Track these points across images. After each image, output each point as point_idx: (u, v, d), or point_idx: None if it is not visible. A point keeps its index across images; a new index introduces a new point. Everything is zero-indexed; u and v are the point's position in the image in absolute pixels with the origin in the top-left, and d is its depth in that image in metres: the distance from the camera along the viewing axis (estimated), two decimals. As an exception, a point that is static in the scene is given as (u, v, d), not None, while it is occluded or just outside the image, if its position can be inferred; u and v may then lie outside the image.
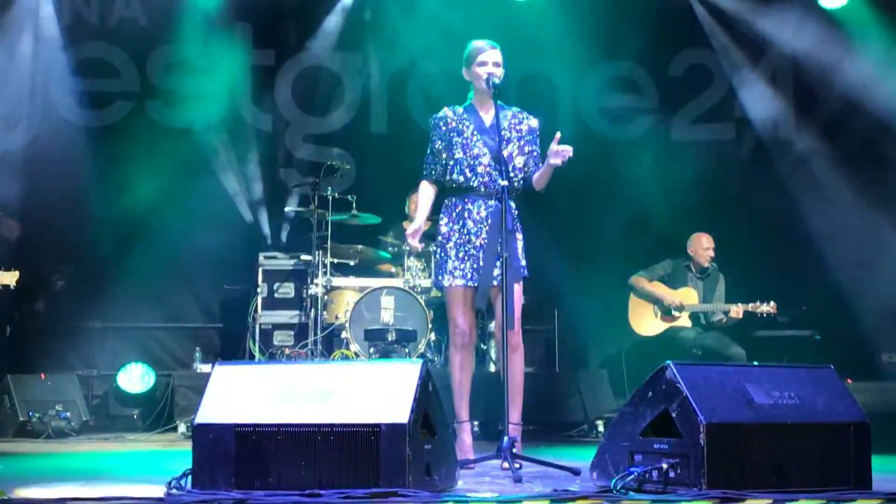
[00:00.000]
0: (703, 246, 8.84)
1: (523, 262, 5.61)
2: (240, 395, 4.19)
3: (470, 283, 5.57)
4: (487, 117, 5.66)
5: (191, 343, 9.62)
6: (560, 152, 5.43)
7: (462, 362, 5.65)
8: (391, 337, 8.09)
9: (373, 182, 9.93)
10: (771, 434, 4.02)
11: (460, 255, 5.59)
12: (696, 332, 8.69)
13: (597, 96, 10.43)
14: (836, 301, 9.21)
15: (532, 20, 9.76)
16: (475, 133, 5.61)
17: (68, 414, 7.97)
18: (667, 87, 10.37)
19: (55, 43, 9.63)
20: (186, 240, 9.52)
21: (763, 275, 9.40)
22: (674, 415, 4.02)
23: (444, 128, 5.67)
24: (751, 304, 8.48)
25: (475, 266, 5.55)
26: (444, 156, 5.66)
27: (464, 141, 5.61)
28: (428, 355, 8.40)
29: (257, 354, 9.01)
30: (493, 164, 5.56)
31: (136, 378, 8.82)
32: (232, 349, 9.69)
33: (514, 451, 5.04)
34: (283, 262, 9.38)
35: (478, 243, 5.55)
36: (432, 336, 8.48)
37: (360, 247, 9.04)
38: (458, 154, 5.61)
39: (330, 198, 8.78)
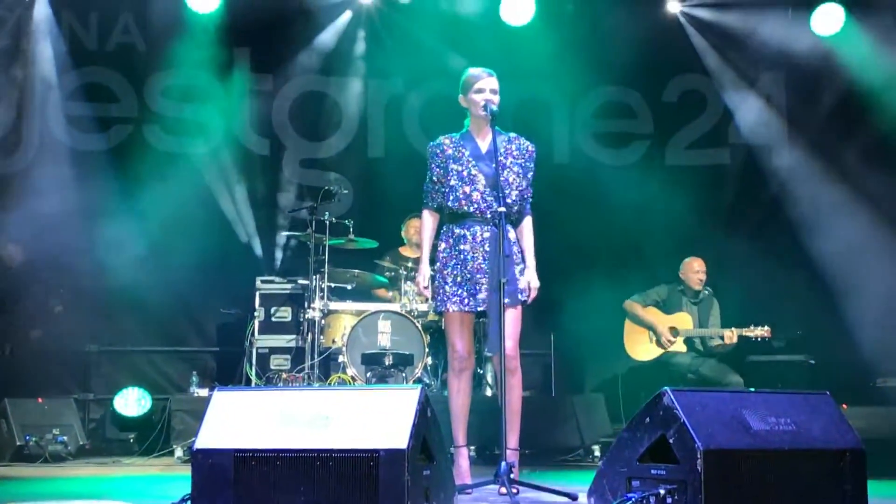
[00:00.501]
0: (693, 269, 8.91)
1: (521, 287, 5.64)
2: (239, 420, 4.21)
3: (467, 308, 5.60)
4: (484, 144, 5.70)
5: (187, 367, 9.61)
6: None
7: (460, 387, 5.67)
8: (388, 361, 8.08)
9: (370, 206, 9.98)
10: (768, 460, 4.04)
11: (458, 280, 5.62)
12: (692, 357, 8.72)
13: (592, 121, 10.49)
14: (831, 326, 9.24)
15: (527, 45, 9.81)
16: (471, 160, 5.64)
17: (65, 438, 7.97)
18: (661, 112, 10.43)
19: (54, 67, 9.67)
20: (183, 264, 9.52)
21: (757, 299, 9.42)
22: (671, 441, 4.04)
23: (440, 155, 5.70)
24: (745, 329, 8.52)
25: (472, 291, 5.58)
26: (442, 183, 5.69)
27: (460, 168, 5.64)
28: (425, 379, 8.41)
29: (254, 378, 9.01)
30: (489, 190, 5.59)
31: (132, 402, 8.83)
32: (229, 373, 9.69)
33: (512, 476, 5.04)
34: (281, 286, 9.39)
35: (475, 268, 5.58)
36: (429, 360, 8.49)
37: (356, 271, 9.05)
38: (455, 181, 5.64)
39: (327, 222, 8.80)
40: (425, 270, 5.80)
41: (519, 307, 5.61)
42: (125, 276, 9.34)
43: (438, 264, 5.71)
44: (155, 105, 10.00)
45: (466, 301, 5.59)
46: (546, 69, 9.87)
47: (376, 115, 10.48)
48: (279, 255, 10.18)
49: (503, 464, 5.01)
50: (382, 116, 10.46)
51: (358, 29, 10.27)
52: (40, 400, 8.29)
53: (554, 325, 9.63)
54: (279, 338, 9.27)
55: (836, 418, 4.35)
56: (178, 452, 7.94)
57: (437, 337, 8.56)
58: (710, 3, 9.98)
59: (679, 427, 4.01)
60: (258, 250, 10.18)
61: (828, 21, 9.58)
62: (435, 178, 5.75)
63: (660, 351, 8.72)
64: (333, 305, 8.79)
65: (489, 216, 5.59)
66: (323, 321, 8.72)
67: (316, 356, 8.56)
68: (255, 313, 9.29)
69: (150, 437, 8.48)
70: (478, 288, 5.56)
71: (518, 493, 4.94)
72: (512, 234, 5.67)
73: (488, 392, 8.57)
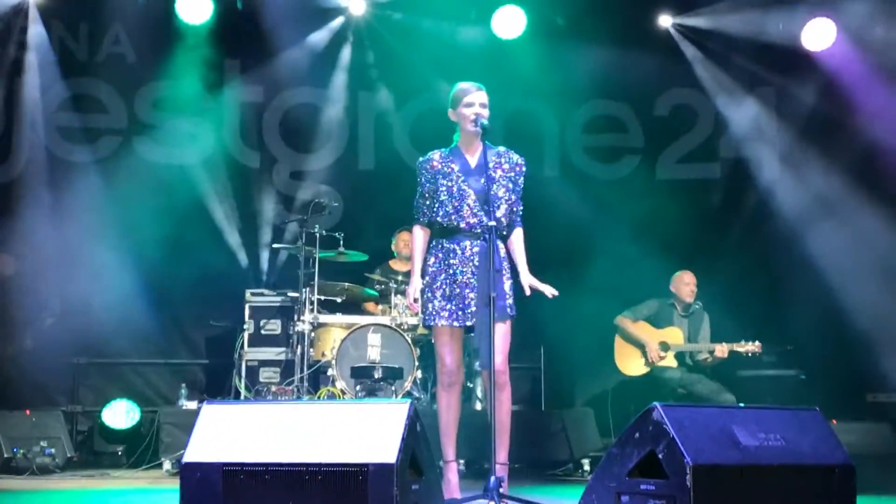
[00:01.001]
0: (684, 282, 8.93)
1: (510, 301, 5.63)
2: (228, 434, 4.20)
3: (456, 323, 5.59)
4: (473, 158, 5.69)
5: (176, 379, 9.57)
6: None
7: (449, 402, 5.66)
8: (378, 374, 8.06)
9: (360, 219, 9.98)
10: (757, 476, 4.05)
11: (447, 294, 5.61)
12: (682, 371, 8.72)
13: (583, 135, 10.50)
14: (821, 341, 9.24)
15: (518, 59, 9.85)
16: (460, 175, 5.63)
17: (53, 450, 7.93)
18: (652, 126, 10.44)
19: (43, 78, 9.65)
20: (173, 275, 9.52)
21: (748, 314, 9.42)
22: (661, 456, 4.04)
23: (430, 171, 5.69)
24: (736, 344, 8.53)
25: (461, 305, 5.57)
26: (432, 198, 5.69)
27: (450, 183, 5.63)
28: (414, 393, 8.39)
29: (243, 391, 8.98)
30: (478, 204, 5.58)
31: (120, 414, 8.80)
32: (217, 386, 9.66)
33: (501, 490, 5.03)
34: (270, 298, 9.38)
35: (464, 282, 5.57)
36: (419, 374, 8.47)
37: (346, 284, 9.03)
38: (444, 196, 5.63)
39: (317, 235, 8.78)
40: (416, 284, 5.77)
41: (508, 322, 5.59)
42: (114, 288, 9.30)
43: (428, 278, 5.69)
44: (145, 116, 9.97)
45: (456, 315, 5.58)
46: (537, 83, 9.90)
47: (367, 128, 10.47)
48: (269, 267, 10.16)
49: (492, 478, 4.99)
50: (373, 129, 10.46)
51: (349, 41, 10.27)
52: (28, 412, 8.25)
53: (544, 339, 9.63)
54: (269, 350, 9.25)
55: (826, 434, 4.35)
56: (167, 465, 7.90)
57: (427, 350, 8.54)
58: (702, 16, 9.99)
59: (669, 442, 4.01)
60: (247, 262, 10.15)
61: (819, 35, 9.60)
62: (425, 194, 5.73)
63: (650, 366, 8.72)
64: (323, 318, 8.78)
65: (479, 231, 5.58)
66: (312, 334, 8.70)
67: (305, 369, 8.54)
68: (245, 326, 9.27)
69: (139, 449, 8.46)
70: (467, 302, 5.55)
71: (507, 507, 4.93)
72: (502, 249, 5.66)
73: (478, 406, 8.56)
